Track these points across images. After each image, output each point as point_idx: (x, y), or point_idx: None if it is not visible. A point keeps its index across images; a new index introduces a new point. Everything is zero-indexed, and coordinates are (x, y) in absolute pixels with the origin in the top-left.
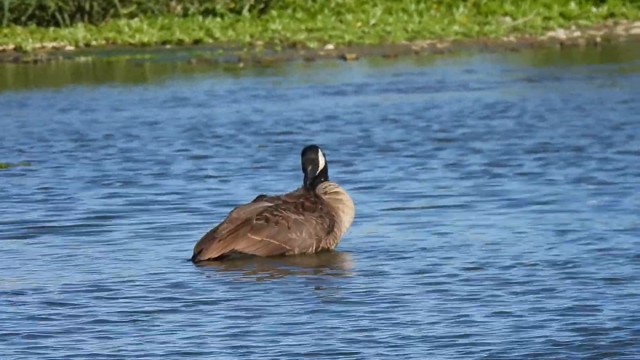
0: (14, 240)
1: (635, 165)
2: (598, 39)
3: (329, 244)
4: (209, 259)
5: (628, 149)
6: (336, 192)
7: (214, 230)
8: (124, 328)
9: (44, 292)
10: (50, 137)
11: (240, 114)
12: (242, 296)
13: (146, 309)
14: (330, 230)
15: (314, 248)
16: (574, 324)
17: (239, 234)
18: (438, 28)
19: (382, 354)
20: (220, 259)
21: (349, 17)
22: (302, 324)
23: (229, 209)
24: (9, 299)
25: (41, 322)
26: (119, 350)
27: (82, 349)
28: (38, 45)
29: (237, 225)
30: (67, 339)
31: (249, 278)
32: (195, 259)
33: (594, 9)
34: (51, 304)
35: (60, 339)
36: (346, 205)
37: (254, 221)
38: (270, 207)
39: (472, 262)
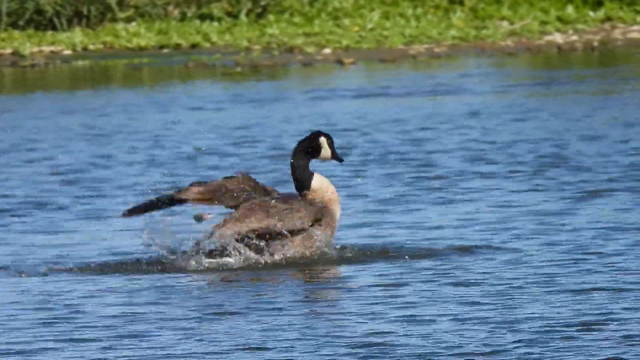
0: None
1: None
2: (595, 43)
3: (322, 231)
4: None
5: (628, 151)
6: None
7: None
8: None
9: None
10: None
11: (234, 120)
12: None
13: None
14: (321, 216)
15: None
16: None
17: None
18: (435, 32)
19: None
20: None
21: (346, 21)
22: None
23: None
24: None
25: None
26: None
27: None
28: (36, 49)
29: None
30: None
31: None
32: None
33: (591, 13)
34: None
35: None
36: (333, 199)
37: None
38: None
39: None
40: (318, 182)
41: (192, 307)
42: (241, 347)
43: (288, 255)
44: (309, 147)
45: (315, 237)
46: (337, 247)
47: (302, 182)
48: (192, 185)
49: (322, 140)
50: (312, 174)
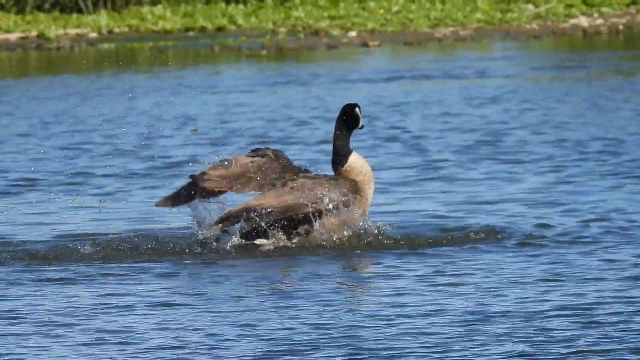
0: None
1: None
2: (620, 27)
3: (356, 207)
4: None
5: None
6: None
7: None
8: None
9: None
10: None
11: (260, 102)
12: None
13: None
14: (351, 193)
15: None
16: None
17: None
18: (460, 15)
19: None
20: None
21: (372, 4)
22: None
23: None
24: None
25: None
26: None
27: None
28: (61, 32)
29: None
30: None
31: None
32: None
33: None
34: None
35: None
36: (366, 178)
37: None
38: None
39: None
40: (355, 159)
41: (206, 292)
42: (243, 335)
43: (319, 236)
44: (348, 119)
45: (346, 215)
46: (375, 230)
47: (341, 156)
48: (214, 167)
49: (358, 111)
50: (351, 151)
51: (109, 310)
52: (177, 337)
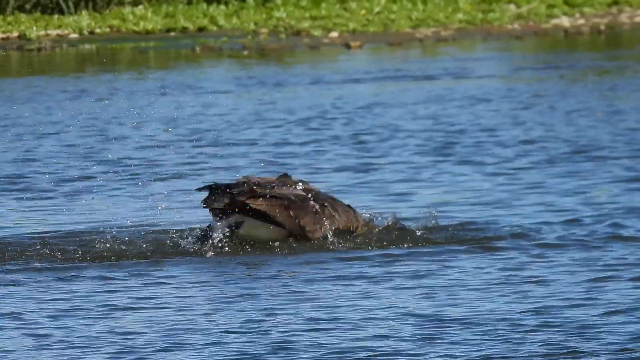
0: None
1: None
2: (602, 27)
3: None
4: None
5: (634, 133)
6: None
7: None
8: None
9: None
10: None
11: (241, 103)
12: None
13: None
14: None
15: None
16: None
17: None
18: (442, 16)
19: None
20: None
21: (353, 5)
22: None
23: None
24: None
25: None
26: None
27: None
28: (42, 33)
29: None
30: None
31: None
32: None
33: None
34: None
35: None
36: None
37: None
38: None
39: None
40: None
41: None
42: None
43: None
44: None
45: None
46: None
47: None
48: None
49: None
50: None
51: (53, 312)
52: (129, 340)
